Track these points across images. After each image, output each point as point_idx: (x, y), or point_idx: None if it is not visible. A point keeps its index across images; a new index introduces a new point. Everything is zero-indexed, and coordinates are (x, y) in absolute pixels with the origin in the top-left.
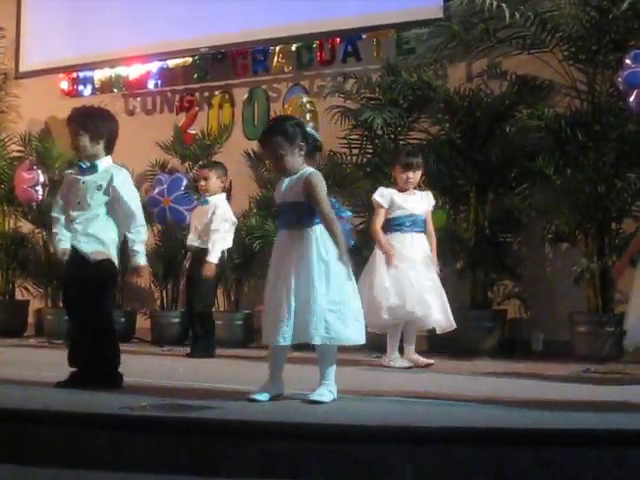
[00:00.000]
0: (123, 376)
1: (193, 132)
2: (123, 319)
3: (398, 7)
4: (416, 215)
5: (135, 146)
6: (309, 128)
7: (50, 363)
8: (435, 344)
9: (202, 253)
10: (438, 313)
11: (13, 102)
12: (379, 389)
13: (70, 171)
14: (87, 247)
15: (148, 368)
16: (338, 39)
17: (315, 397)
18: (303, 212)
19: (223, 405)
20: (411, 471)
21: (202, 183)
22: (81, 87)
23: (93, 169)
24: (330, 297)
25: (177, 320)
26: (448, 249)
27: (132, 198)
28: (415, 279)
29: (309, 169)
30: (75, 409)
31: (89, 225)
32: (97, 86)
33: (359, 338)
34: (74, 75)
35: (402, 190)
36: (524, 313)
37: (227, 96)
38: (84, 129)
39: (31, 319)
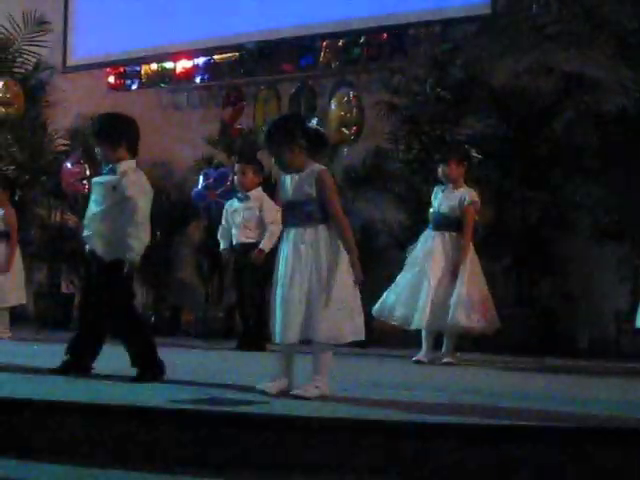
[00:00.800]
0: (165, 369)
1: (239, 127)
2: (168, 313)
3: (446, 3)
4: (441, 213)
5: (181, 140)
6: (311, 123)
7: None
8: (480, 341)
9: (252, 248)
10: (423, 313)
11: (60, 96)
12: (427, 383)
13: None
14: (100, 247)
15: (193, 362)
16: (385, 35)
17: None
18: (315, 209)
19: (269, 400)
20: (460, 465)
21: (240, 178)
22: (128, 81)
23: (113, 172)
24: (339, 295)
25: (222, 314)
26: (491, 245)
27: (137, 195)
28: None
29: (318, 166)
30: (118, 402)
31: (103, 225)
32: (144, 80)
33: (360, 335)
34: (121, 69)
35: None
36: (570, 310)
37: (273, 91)
38: (103, 139)
39: (76, 312)
